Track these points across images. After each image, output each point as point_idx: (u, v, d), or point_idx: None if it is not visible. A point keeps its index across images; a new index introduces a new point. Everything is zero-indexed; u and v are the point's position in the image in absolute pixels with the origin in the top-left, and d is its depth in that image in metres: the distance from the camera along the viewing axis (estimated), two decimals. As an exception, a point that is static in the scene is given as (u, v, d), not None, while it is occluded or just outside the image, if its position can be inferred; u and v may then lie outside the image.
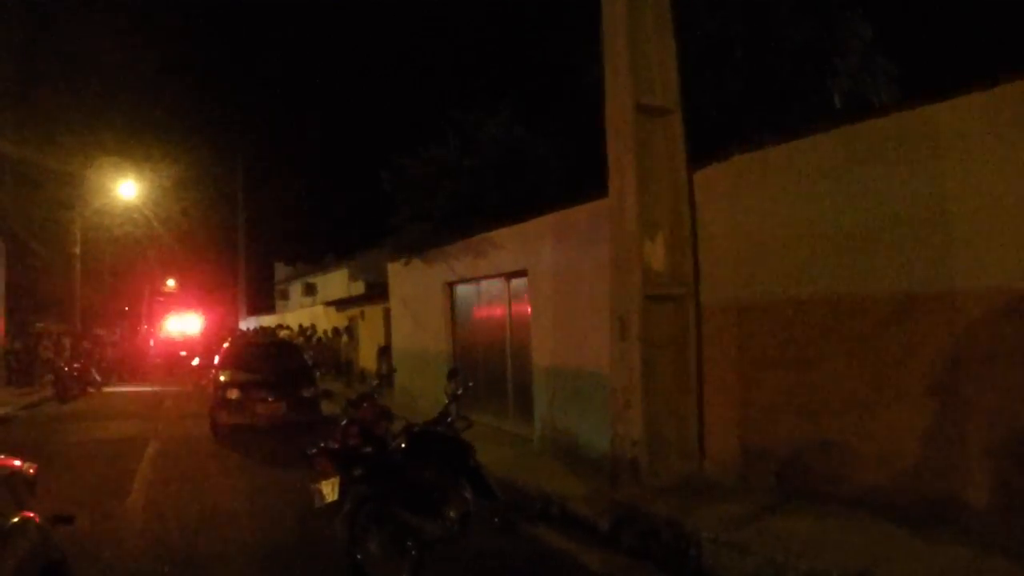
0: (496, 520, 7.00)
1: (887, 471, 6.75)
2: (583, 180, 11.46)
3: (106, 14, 28.14)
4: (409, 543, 6.19)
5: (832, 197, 7.23)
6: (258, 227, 51.45)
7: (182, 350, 40.95)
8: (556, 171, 15.57)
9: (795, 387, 7.61)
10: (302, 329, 31.14)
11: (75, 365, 23.21)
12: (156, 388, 25.97)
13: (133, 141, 30.62)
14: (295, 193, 46.97)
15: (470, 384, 8.25)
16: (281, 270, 54.69)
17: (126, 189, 30.32)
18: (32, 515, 3.89)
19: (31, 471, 4.42)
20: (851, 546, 6.16)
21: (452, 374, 8.25)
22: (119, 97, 29.90)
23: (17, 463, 4.34)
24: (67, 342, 26.22)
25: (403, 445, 6.97)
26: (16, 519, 3.69)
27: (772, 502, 7.42)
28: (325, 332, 29.48)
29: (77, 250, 28.65)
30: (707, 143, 8.98)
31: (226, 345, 18.07)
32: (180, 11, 56.27)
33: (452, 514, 6.58)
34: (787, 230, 7.69)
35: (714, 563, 6.57)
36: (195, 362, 27.06)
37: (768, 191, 7.92)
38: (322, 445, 6.75)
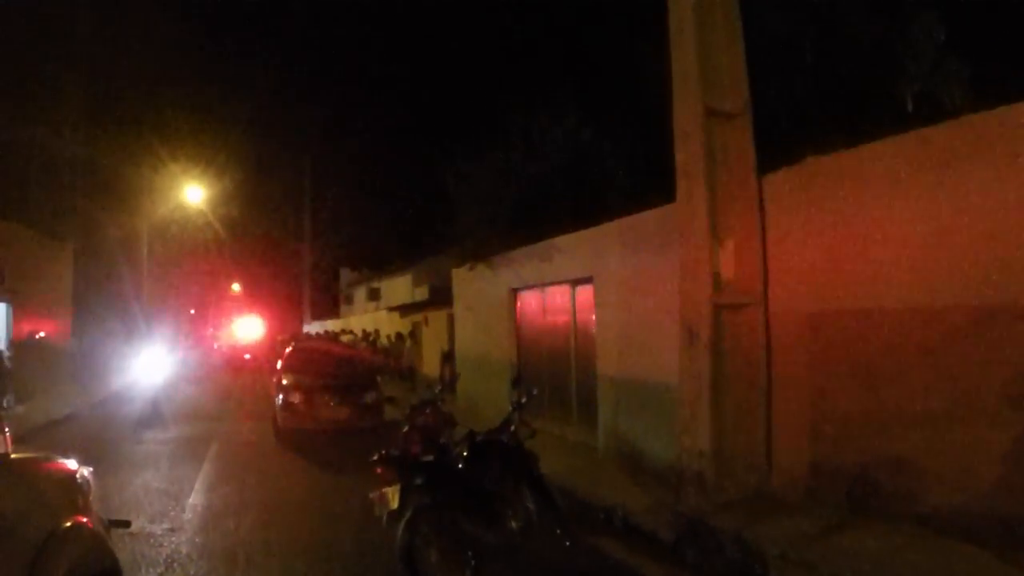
0: (558, 531, 6.87)
1: (962, 490, 6.46)
2: (650, 184, 11.30)
3: (178, 20, 28.78)
4: (469, 553, 6.11)
5: (907, 203, 6.97)
6: (324, 232, 52.07)
7: (246, 353, 41.62)
8: (622, 175, 15.41)
9: (867, 401, 7.35)
10: (365, 334, 31.34)
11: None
12: (220, 391, 26.31)
13: (200, 146, 31.26)
14: (361, 198, 47.46)
15: (534, 392, 8.16)
16: (346, 275, 55.33)
17: (193, 194, 30.88)
18: (85, 520, 3.87)
19: (87, 474, 4.41)
20: (923, 567, 5.96)
21: (516, 382, 8.17)
22: (189, 102, 30.53)
23: (73, 466, 4.33)
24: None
25: (465, 454, 6.90)
26: (69, 523, 3.67)
27: (841, 519, 7.21)
28: (388, 337, 29.62)
29: (145, 253, 29.21)
30: (775, 147, 8.76)
31: (289, 349, 18.20)
32: (249, 17, 57.31)
33: (513, 524, 6.49)
34: (860, 237, 7.43)
35: (781, 580, 6.39)
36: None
37: (840, 196, 7.67)
38: (384, 452, 6.71)
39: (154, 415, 16.84)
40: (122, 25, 25.34)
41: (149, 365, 24.06)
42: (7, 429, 7.00)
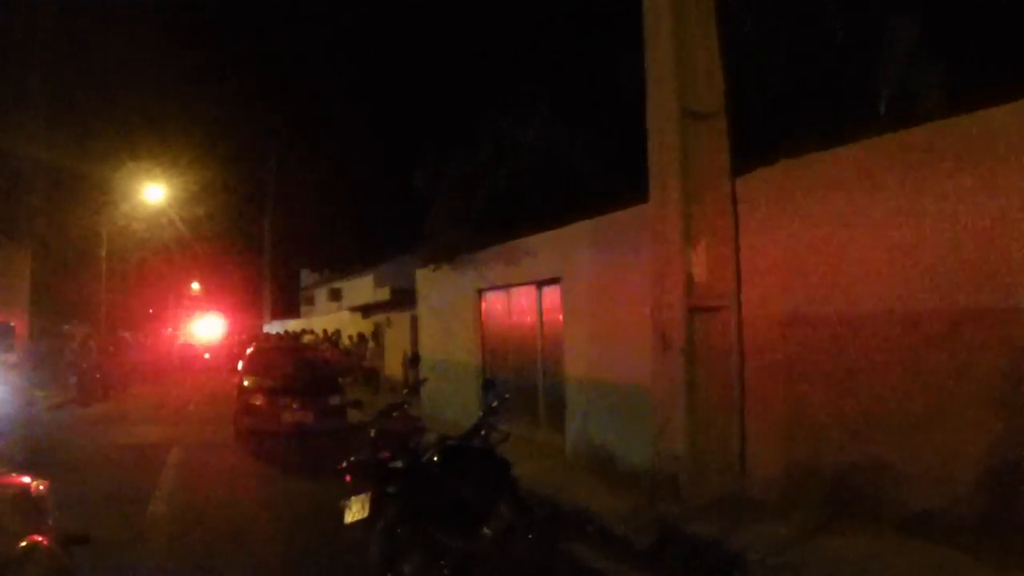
0: (533, 538, 6.71)
1: (941, 492, 6.42)
2: (622, 184, 11.19)
3: (136, 18, 28.29)
4: (442, 562, 5.94)
5: (882, 206, 6.93)
6: (285, 232, 51.62)
7: (206, 353, 41.10)
8: (594, 174, 15.31)
9: (843, 403, 7.30)
10: (327, 334, 30.99)
11: (98, 368, 23.16)
12: (179, 392, 25.91)
13: (161, 145, 30.80)
14: (324, 199, 47.09)
15: (507, 396, 8.01)
16: (307, 276, 54.84)
17: (153, 193, 30.41)
18: (41, 539, 3.65)
19: (42, 488, 4.17)
20: (905, 570, 5.92)
21: (488, 385, 8.01)
22: (148, 101, 30.09)
23: (26, 480, 4.09)
24: (92, 344, 26.19)
25: (436, 459, 6.72)
26: (24, 543, 3.45)
27: (819, 522, 7.14)
28: (350, 337, 29.30)
29: (103, 253, 28.70)
30: (748, 147, 8.69)
31: (250, 350, 17.89)
32: (210, 15, 56.65)
33: (490, 532, 6.32)
34: (834, 240, 7.39)
35: (761, 586, 6.29)
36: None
37: (815, 199, 7.62)
38: (352, 459, 6.52)
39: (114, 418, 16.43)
40: (82, 24, 24.90)
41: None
42: None
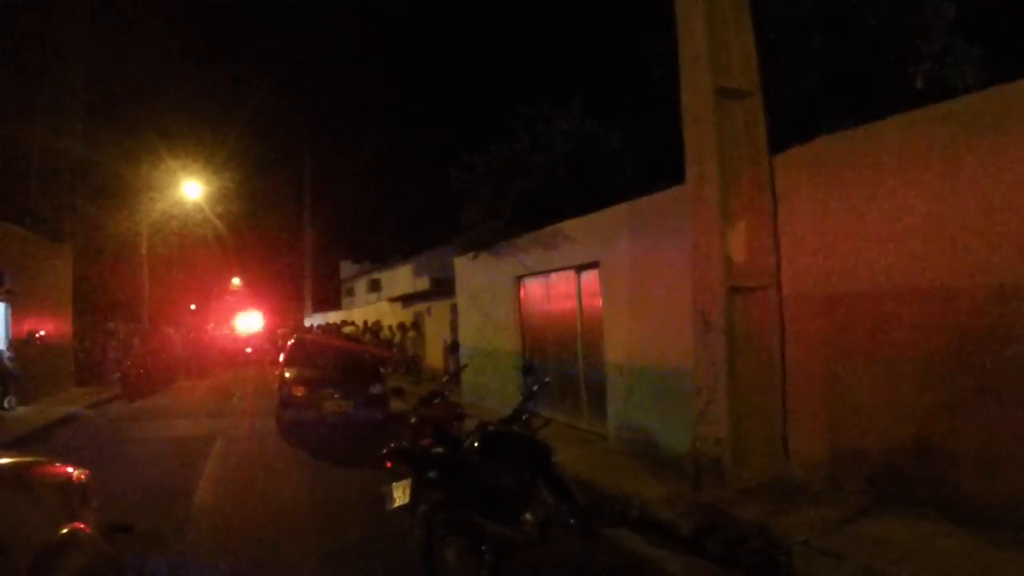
0: (575, 524, 6.67)
1: (988, 475, 6.28)
2: (657, 172, 11.11)
3: (173, 16, 28.54)
4: (485, 548, 5.92)
5: (924, 180, 6.77)
6: (324, 225, 51.95)
7: (248, 347, 41.46)
8: (629, 163, 15.24)
9: (886, 383, 7.16)
10: (367, 325, 31.16)
11: (142, 364, 23.44)
12: (222, 386, 26.17)
13: (200, 142, 31.04)
14: (361, 191, 47.36)
15: (547, 380, 7.96)
16: (347, 267, 55.21)
17: (192, 189, 30.69)
18: (83, 526, 3.68)
19: (84, 477, 4.21)
20: (950, 555, 5.78)
21: (527, 370, 7.98)
22: (186, 98, 30.32)
23: (69, 470, 4.13)
24: (136, 341, 26.53)
25: (476, 445, 6.70)
26: (66, 531, 3.49)
27: (865, 506, 7.04)
28: (391, 328, 29.44)
29: (144, 250, 29.04)
30: (785, 132, 8.57)
31: (292, 342, 18.03)
32: (247, 10, 57.08)
33: (531, 519, 6.29)
34: (875, 217, 7.23)
35: (806, 570, 6.20)
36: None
37: (854, 176, 7.46)
38: (393, 445, 6.52)
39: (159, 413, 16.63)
40: (121, 23, 25.12)
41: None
42: None
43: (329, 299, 56.74)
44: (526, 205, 15.16)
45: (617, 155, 15.39)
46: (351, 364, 15.82)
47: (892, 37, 11.95)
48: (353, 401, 14.26)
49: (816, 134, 8.09)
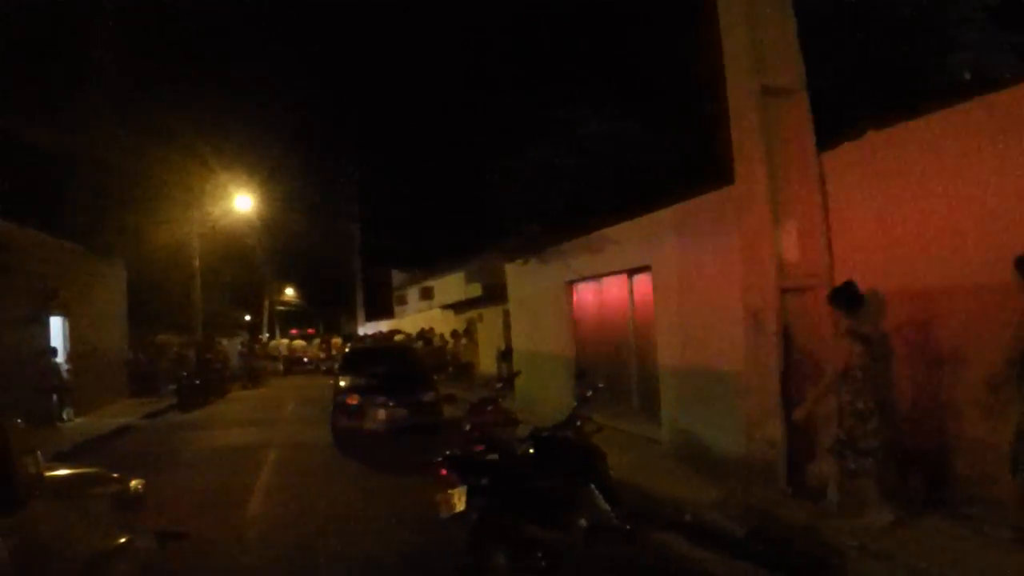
0: (626, 528, 6.67)
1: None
2: (698, 171, 11.04)
3: (223, 31, 28.97)
4: (539, 555, 5.94)
5: (978, 174, 6.61)
6: (374, 234, 52.35)
7: (303, 358, 41.92)
8: (671, 164, 15.14)
9: (940, 384, 7.04)
10: (420, 333, 31.35)
11: (196, 375, 23.83)
12: (276, 395, 26.50)
13: (249, 154, 31.52)
14: (409, 199, 47.61)
15: (600, 386, 7.96)
16: (397, 276, 55.51)
17: (243, 202, 31.20)
18: (137, 535, 3.78)
19: (139, 487, 4.31)
20: (1002, 559, 5.71)
21: (580, 376, 8.01)
22: (235, 110, 30.73)
23: (125, 479, 4.24)
24: (190, 353, 27.02)
25: (531, 451, 6.73)
26: (123, 539, 3.58)
27: (917, 507, 6.93)
28: (443, 335, 29.59)
29: (196, 263, 29.52)
30: (827, 125, 8.45)
31: (345, 351, 18.22)
32: (293, 25, 57.78)
33: (582, 524, 6.30)
34: (928, 212, 7.09)
35: (858, 574, 6.13)
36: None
37: (905, 170, 7.33)
38: (447, 453, 6.56)
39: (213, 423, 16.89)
40: (166, 36, 25.54)
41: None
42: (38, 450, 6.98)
43: (382, 308, 57.10)
44: (568, 207, 15.15)
45: (658, 155, 15.28)
46: (404, 372, 15.93)
47: (929, 26, 11.71)
48: (407, 409, 14.35)
49: (853, 128, 7.97)
